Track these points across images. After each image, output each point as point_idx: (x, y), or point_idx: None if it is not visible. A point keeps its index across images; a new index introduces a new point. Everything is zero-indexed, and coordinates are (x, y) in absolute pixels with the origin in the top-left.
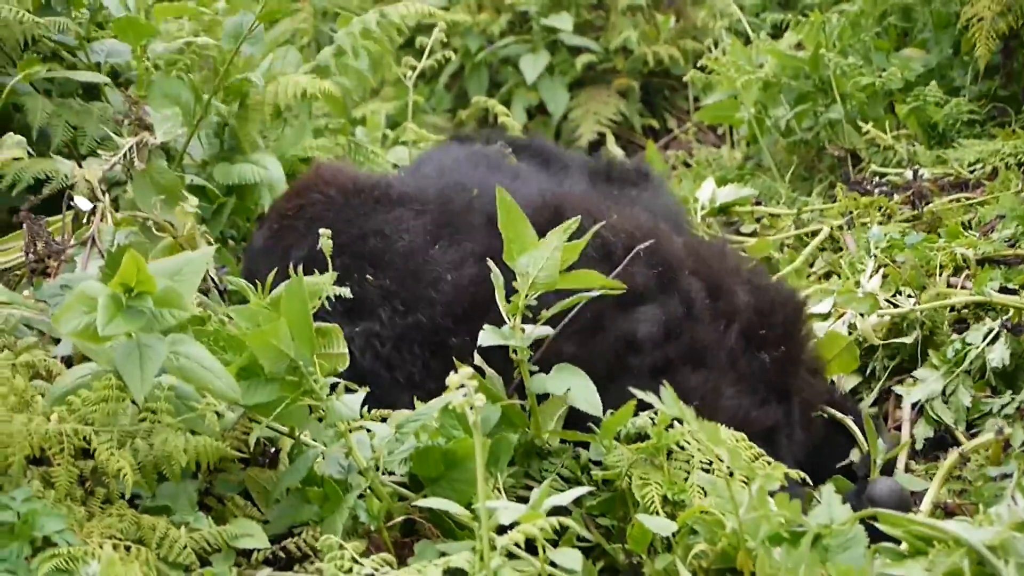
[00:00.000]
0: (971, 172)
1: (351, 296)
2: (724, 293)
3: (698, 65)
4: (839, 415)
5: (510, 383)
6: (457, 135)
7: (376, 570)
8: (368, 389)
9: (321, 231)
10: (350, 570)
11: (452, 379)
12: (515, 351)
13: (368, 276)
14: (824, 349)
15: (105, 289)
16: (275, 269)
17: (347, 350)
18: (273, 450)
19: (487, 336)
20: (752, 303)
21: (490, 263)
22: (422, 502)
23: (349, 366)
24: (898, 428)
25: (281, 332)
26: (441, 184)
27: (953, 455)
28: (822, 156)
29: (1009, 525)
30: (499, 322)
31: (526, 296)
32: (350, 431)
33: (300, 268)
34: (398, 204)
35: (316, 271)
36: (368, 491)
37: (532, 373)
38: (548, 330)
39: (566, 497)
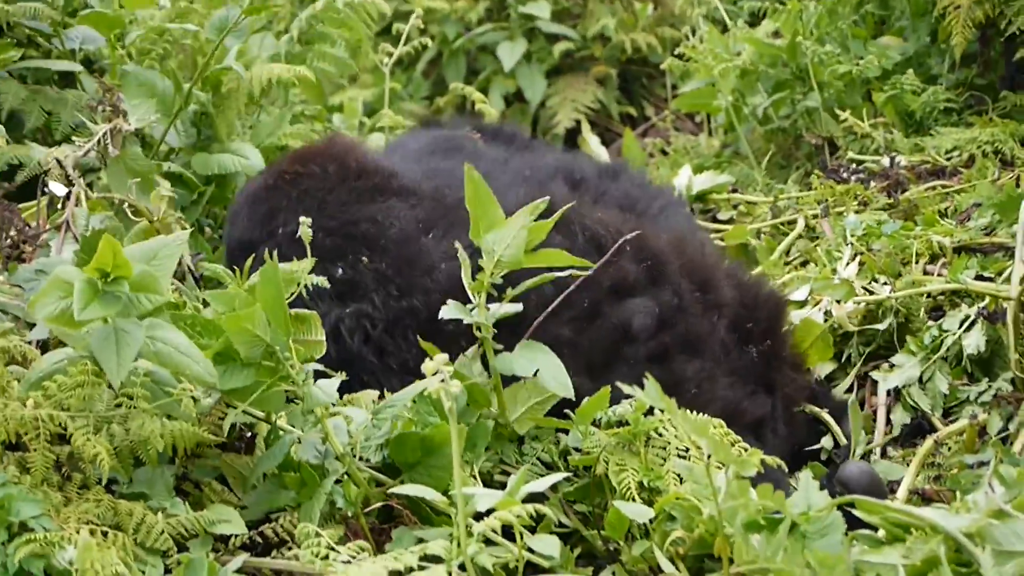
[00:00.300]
0: (948, 160)
1: (341, 278)
2: (711, 287)
3: (676, 53)
4: (819, 411)
5: None
6: (428, 120)
7: (353, 557)
8: (349, 372)
9: (302, 219)
10: (327, 556)
11: (427, 365)
12: (479, 328)
13: (363, 259)
14: (800, 337)
15: (81, 274)
16: (257, 229)
17: (324, 336)
18: (249, 435)
19: (448, 311)
20: (737, 297)
21: (457, 244)
22: (399, 489)
23: (337, 347)
24: (874, 414)
25: (256, 317)
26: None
27: (928, 442)
28: (799, 144)
29: (986, 512)
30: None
31: (491, 274)
32: (328, 416)
33: (279, 246)
34: (396, 195)
35: (300, 246)
36: (345, 477)
37: (498, 352)
38: (515, 307)
39: (543, 483)
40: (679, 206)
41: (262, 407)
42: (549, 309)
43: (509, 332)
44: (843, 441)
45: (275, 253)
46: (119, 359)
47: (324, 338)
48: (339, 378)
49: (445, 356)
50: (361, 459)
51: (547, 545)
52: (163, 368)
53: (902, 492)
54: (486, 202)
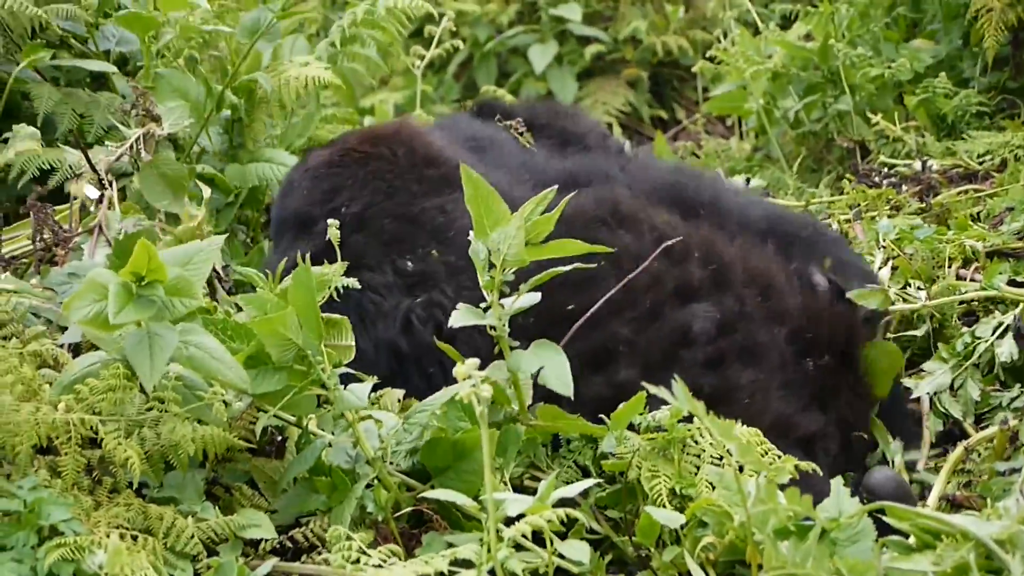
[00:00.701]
0: (980, 164)
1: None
2: (775, 294)
3: (707, 56)
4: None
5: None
6: (482, 102)
7: (384, 561)
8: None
9: (330, 221)
10: (357, 560)
11: (458, 370)
12: (492, 328)
13: (433, 251)
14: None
15: (115, 277)
16: (317, 204)
17: (353, 341)
18: (280, 440)
19: (460, 317)
20: (802, 306)
21: (471, 236)
22: (429, 493)
23: (408, 338)
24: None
25: (289, 320)
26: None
27: (959, 449)
28: (831, 147)
29: (1017, 519)
30: (563, 302)
31: (502, 272)
32: (359, 420)
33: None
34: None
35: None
36: (376, 482)
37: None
38: (533, 297)
39: (574, 489)
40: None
41: (293, 411)
42: (594, 307)
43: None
44: (890, 452)
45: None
46: (152, 363)
47: (354, 343)
48: (371, 382)
49: (476, 361)
50: (391, 464)
51: (577, 551)
52: (196, 373)
53: (933, 499)
54: (488, 200)
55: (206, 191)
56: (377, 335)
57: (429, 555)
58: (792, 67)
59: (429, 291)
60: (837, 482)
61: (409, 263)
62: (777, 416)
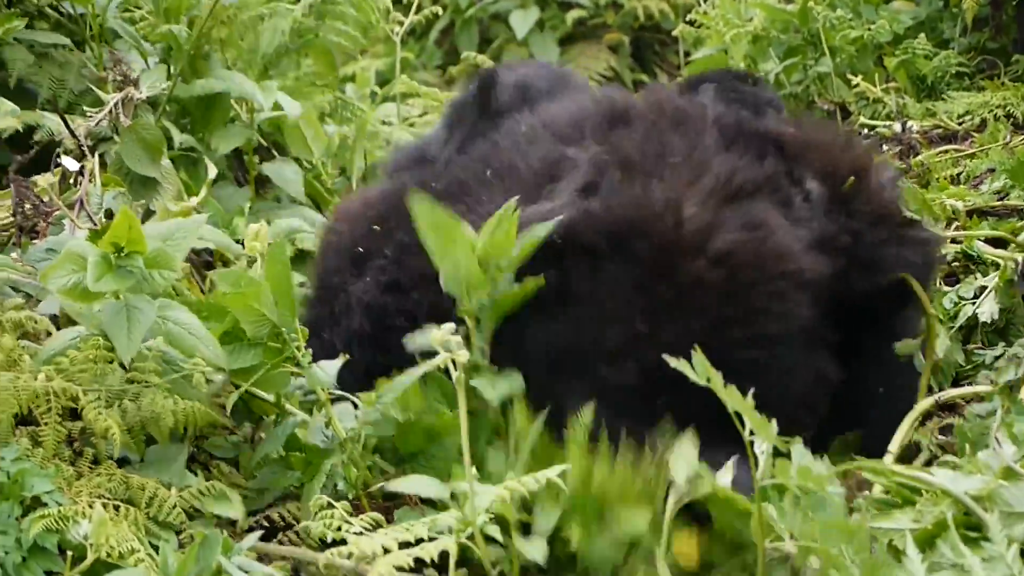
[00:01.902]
0: (960, 124)
1: None
2: None
3: (688, 19)
4: None
5: None
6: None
7: (365, 530)
8: None
9: None
10: (339, 528)
11: (434, 336)
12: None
13: None
14: None
15: (95, 248)
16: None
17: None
18: (260, 418)
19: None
20: None
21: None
22: (396, 484)
23: None
24: None
25: (263, 296)
26: None
27: (928, 400)
28: (812, 109)
29: (996, 474)
30: None
31: (469, 303)
32: (333, 401)
33: None
34: None
35: None
36: (347, 461)
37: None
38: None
39: (542, 476)
40: None
41: (267, 388)
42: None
43: None
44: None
45: None
46: (129, 336)
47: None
48: (342, 359)
49: (451, 325)
50: (361, 445)
51: (536, 550)
52: (175, 348)
53: (892, 451)
54: (440, 228)
55: (212, 170)
56: None
57: (409, 522)
58: (772, 30)
59: None
60: (798, 445)
61: None
62: None
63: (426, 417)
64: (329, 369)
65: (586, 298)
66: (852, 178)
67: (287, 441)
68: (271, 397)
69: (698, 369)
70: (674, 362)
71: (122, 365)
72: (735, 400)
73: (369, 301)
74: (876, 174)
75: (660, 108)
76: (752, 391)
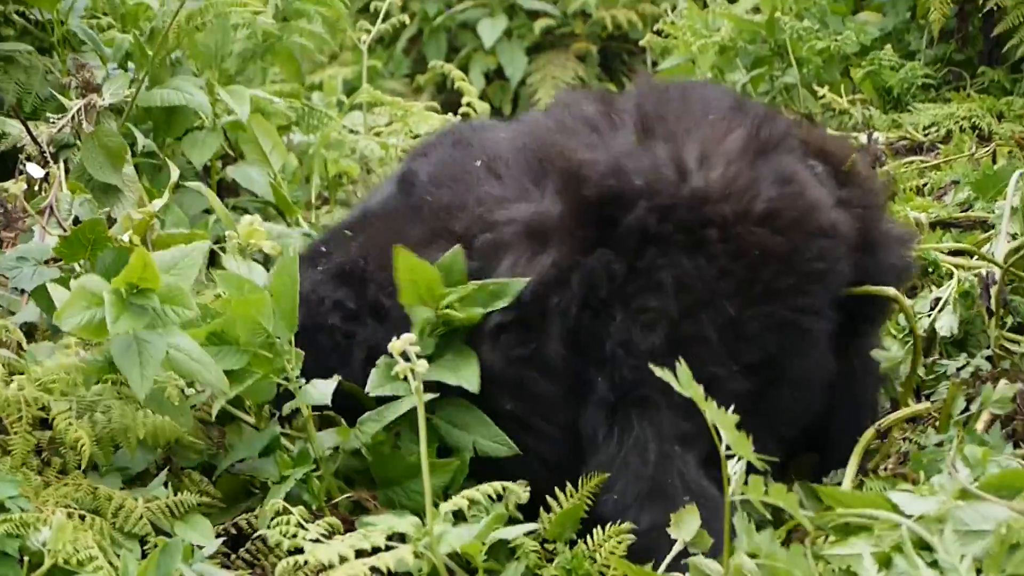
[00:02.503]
0: (925, 136)
1: None
2: None
3: (655, 29)
4: None
5: None
6: None
7: (322, 536)
8: None
9: None
10: (295, 535)
11: (394, 345)
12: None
13: None
14: None
15: (107, 285)
16: None
17: None
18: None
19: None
20: None
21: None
22: (367, 518)
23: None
24: None
25: (265, 305)
26: None
27: (870, 431)
28: None
29: (952, 494)
30: None
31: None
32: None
33: None
34: None
35: None
36: (313, 474)
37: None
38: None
39: (514, 531)
40: None
41: (251, 396)
42: None
43: None
44: None
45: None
46: (143, 371)
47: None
48: (335, 380)
49: (411, 336)
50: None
51: None
52: (178, 375)
53: (846, 482)
54: (417, 273)
55: (174, 174)
56: None
57: (367, 529)
58: (739, 40)
59: None
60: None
61: None
62: None
63: (406, 450)
64: (322, 388)
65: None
66: (853, 157)
67: (264, 450)
68: (249, 417)
69: (681, 380)
70: (659, 372)
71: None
72: (715, 414)
73: None
74: (863, 162)
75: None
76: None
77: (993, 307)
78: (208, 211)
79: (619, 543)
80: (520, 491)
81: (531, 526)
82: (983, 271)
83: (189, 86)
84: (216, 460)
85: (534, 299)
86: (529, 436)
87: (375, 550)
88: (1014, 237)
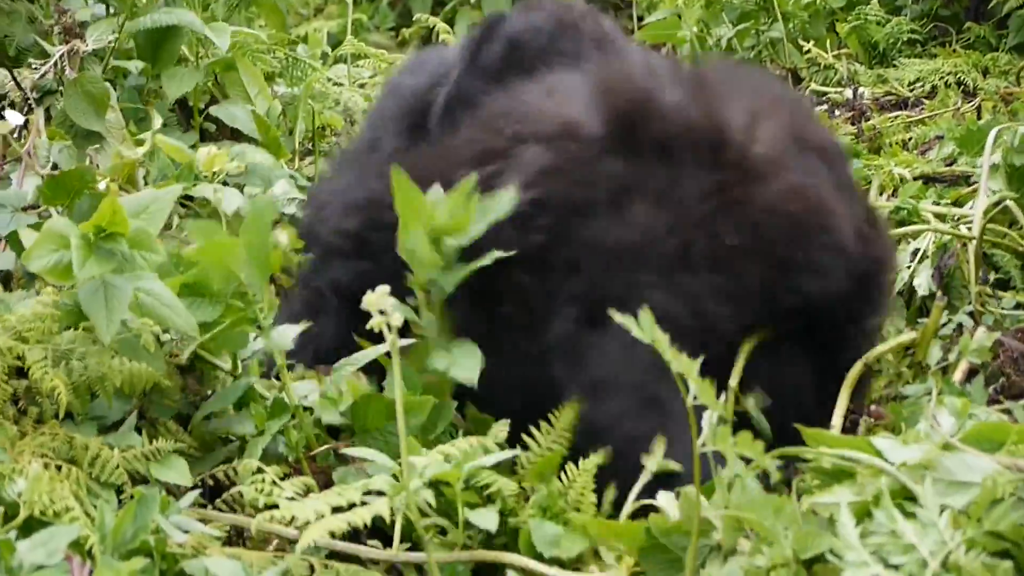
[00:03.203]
0: (911, 91)
1: None
2: None
3: None
4: None
5: None
6: None
7: (297, 495)
8: None
9: None
10: (270, 493)
11: (368, 300)
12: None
13: None
14: None
15: (76, 230)
16: None
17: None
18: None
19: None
20: None
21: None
22: (345, 449)
23: None
24: None
25: (237, 252)
26: None
27: (857, 366)
28: None
29: (937, 444)
30: None
31: (422, 275)
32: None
33: None
34: None
35: None
36: (291, 424)
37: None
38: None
39: (489, 460)
40: None
41: (225, 346)
42: None
43: None
44: None
45: None
46: (109, 315)
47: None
48: (302, 326)
49: (386, 288)
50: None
51: (486, 519)
52: (147, 319)
53: (836, 418)
54: (413, 202)
55: (157, 120)
56: None
57: (342, 487)
58: None
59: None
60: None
61: None
62: None
63: (386, 394)
64: (289, 333)
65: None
66: None
67: (237, 402)
68: (225, 362)
69: (644, 329)
70: (619, 317)
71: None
72: (680, 363)
73: None
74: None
75: None
76: None
77: (972, 265)
78: None
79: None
80: (499, 429)
81: (510, 454)
82: (963, 227)
83: (179, 9)
84: (191, 411)
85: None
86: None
87: (351, 506)
88: (994, 193)
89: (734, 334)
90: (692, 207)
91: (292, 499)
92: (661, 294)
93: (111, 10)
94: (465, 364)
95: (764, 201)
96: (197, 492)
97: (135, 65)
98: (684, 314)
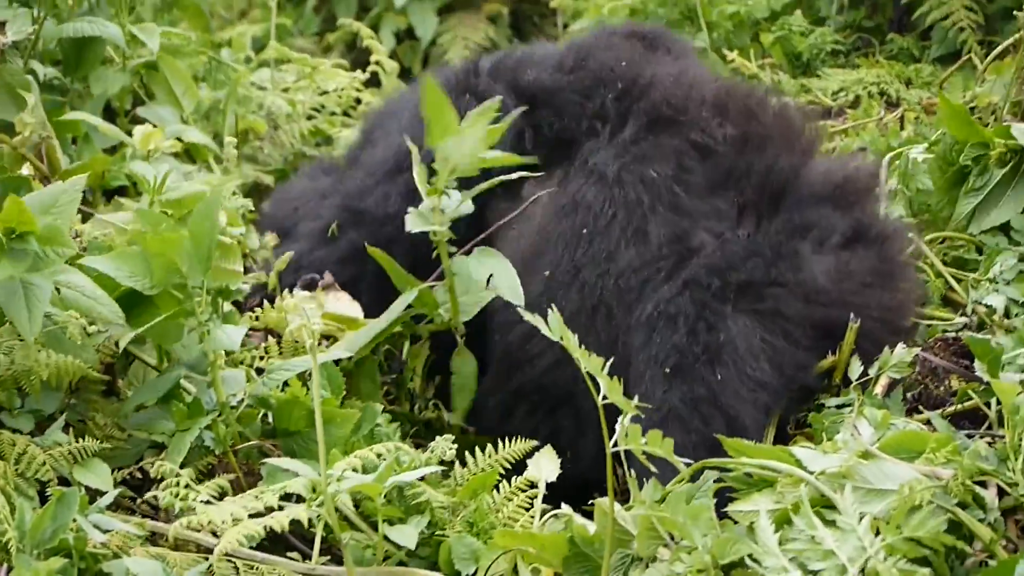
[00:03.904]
0: (834, 101)
1: None
2: None
3: None
4: None
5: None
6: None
7: (214, 497)
8: None
9: None
10: (185, 498)
11: (288, 303)
12: (434, 233)
13: None
14: None
15: None
16: None
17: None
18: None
19: (412, 222)
20: None
21: (410, 143)
22: (268, 460)
23: None
24: None
25: (182, 245)
26: None
27: None
28: None
29: (855, 453)
30: None
31: (446, 179)
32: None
33: None
34: None
35: None
36: (218, 421)
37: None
38: (467, 208)
39: (411, 476)
40: None
41: (160, 338)
42: None
43: None
44: None
45: None
46: (30, 314)
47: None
48: (247, 325)
49: (305, 294)
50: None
51: (405, 536)
52: (71, 311)
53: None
54: (442, 109)
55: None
56: None
57: (261, 490)
58: (650, 3)
59: None
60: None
61: None
62: None
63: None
64: (233, 335)
65: None
66: None
67: (165, 395)
68: (151, 358)
69: (552, 327)
70: (529, 317)
71: None
72: (591, 364)
73: None
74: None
75: None
76: None
77: None
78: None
79: (528, 499)
80: (446, 446)
81: (432, 469)
82: None
83: (101, 20)
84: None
85: None
86: None
87: (269, 509)
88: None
89: None
90: None
91: (208, 503)
92: None
93: (34, 12)
94: (507, 280)
95: None
96: (117, 491)
97: (54, 71)
98: None
